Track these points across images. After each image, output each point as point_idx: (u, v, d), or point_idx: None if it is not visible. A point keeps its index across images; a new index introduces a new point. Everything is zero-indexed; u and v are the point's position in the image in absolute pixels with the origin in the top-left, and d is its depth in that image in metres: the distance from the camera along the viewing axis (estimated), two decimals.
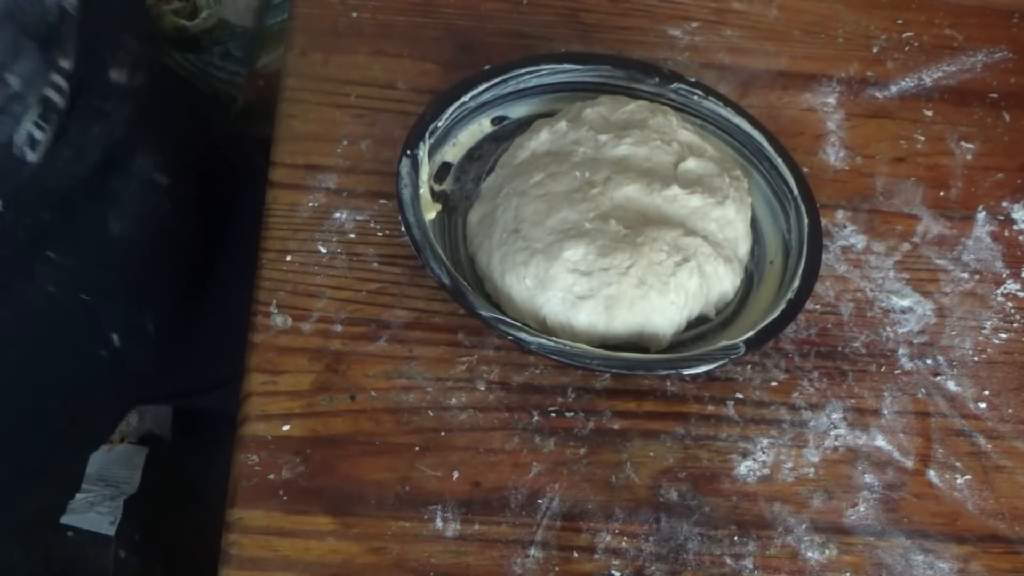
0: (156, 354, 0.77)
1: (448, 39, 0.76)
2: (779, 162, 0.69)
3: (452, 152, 0.69)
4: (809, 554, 0.58)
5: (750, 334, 0.61)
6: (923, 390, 0.65)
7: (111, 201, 0.71)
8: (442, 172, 0.68)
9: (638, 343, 0.62)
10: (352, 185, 0.67)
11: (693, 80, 0.71)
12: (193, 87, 0.99)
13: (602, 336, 0.61)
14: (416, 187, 0.63)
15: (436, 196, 0.67)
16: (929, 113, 0.79)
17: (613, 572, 0.56)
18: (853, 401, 0.64)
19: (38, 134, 0.65)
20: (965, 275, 0.71)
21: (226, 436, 0.62)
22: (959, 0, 0.86)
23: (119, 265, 0.71)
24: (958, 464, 0.63)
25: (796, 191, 0.67)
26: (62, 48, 0.62)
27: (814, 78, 0.79)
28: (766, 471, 0.61)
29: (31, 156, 0.64)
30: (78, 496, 1.21)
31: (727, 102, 0.71)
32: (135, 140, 0.72)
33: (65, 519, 1.20)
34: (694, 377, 0.63)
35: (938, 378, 0.66)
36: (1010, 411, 0.65)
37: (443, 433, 0.59)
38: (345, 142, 0.69)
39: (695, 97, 0.71)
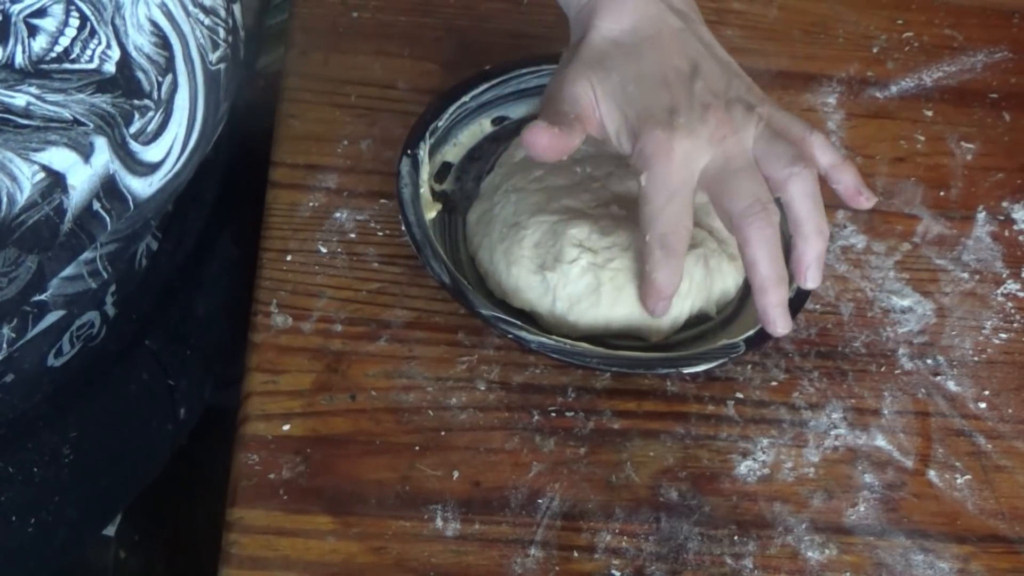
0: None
1: (448, 39, 0.76)
2: None
3: (453, 152, 0.69)
4: (809, 554, 0.58)
5: (750, 333, 0.61)
6: (923, 390, 0.65)
7: (199, 285, 0.71)
8: (442, 172, 0.68)
9: (640, 330, 0.62)
10: (352, 185, 0.67)
11: None
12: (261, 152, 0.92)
13: (606, 319, 0.61)
14: (416, 187, 0.63)
15: (436, 196, 0.67)
16: (929, 113, 0.79)
17: (613, 572, 0.56)
18: (853, 401, 0.64)
19: (154, 244, 0.66)
20: (965, 275, 0.71)
21: (222, 440, 0.62)
22: (959, 0, 0.86)
23: (200, 346, 0.71)
24: (958, 464, 0.63)
25: None
26: None
27: (814, 78, 0.79)
28: (766, 471, 0.61)
29: (145, 263, 0.65)
30: None
31: None
32: (223, 217, 0.72)
33: None
34: (694, 376, 0.63)
35: (938, 378, 0.66)
36: (1010, 411, 0.65)
37: (443, 433, 0.59)
38: (345, 142, 0.69)
39: None
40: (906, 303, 0.69)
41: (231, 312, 0.71)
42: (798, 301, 0.63)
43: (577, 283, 0.60)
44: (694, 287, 0.62)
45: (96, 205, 0.51)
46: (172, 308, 0.69)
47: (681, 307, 0.62)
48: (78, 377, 0.63)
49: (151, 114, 0.51)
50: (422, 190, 0.64)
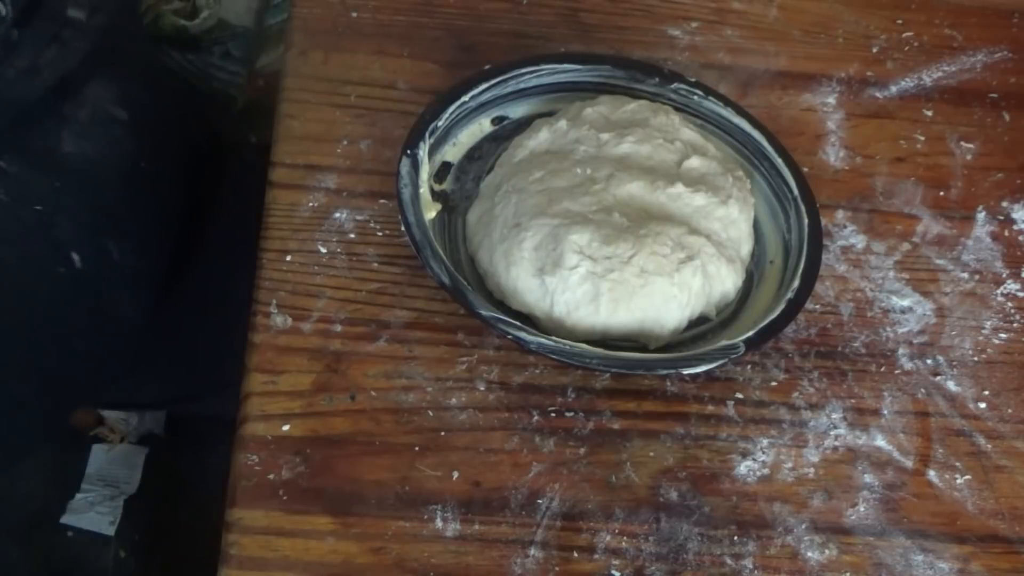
0: (130, 292, 0.78)
1: (448, 39, 0.76)
2: (779, 162, 0.69)
3: (452, 152, 0.69)
4: (809, 554, 0.58)
5: (750, 334, 0.61)
6: (923, 390, 0.65)
7: (64, 122, 0.73)
8: (442, 172, 0.68)
9: (638, 337, 0.62)
10: (352, 185, 0.67)
11: (693, 80, 0.71)
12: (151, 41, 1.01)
13: (604, 327, 0.61)
14: (416, 187, 0.63)
15: (436, 196, 0.67)
16: (929, 113, 0.79)
17: (613, 572, 0.56)
18: (853, 401, 0.64)
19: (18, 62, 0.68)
20: (965, 275, 0.71)
21: (220, 440, 0.62)
22: (959, 0, 0.86)
23: (76, 187, 0.72)
24: (958, 464, 0.63)
25: (796, 191, 0.67)
26: None
27: (814, 78, 0.79)
28: (766, 471, 0.61)
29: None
30: (78, 496, 1.22)
31: (727, 102, 0.71)
32: (91, 72, 0.74)
33: (65, 519, 1.20)
34: (694, 377, 0.63)
35: (938, 378, 0.66)
36: (1010, 411, 0.65)
37: (443, 433, 0.59)
38: (345, 142, 0.69)
39: (695, 97, 0.71)
40: (906, 303, 0.69)
41: (128, 176, 0.74)
42: (798, 301, 0.63)
43: (576, 290, 0.60)
44: (693, 296, 0.62)
45: None
46: (32, 137, 0.71)
47: (680, 316, 0.62)
48: None
49: None
50: (422, 190, 0.64)
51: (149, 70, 0.80)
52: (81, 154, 0.72)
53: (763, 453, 0.61)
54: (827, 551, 0.58)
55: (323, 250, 0.64)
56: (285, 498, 0.56)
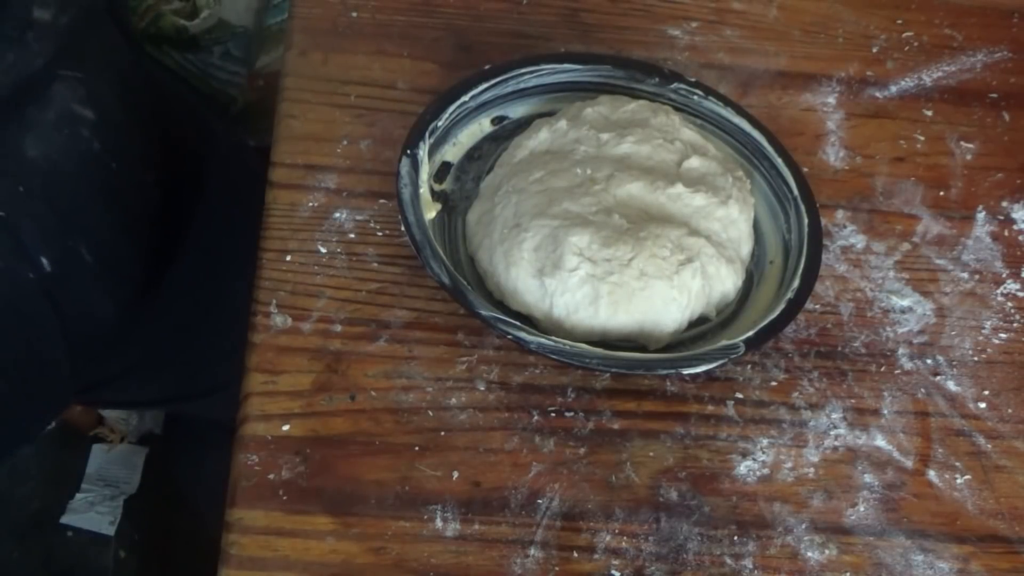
0: (105, 293, 0.77)
1: (448, 39, 0.76)
2: (779, 162, 0.69)
3: (452, 152, 0.69)
4: (809, 554, 0.58)
5: (750, 334, 0.61)
6: (923, 390, 0.65)
7: (27, 127, 0.72)
8: (442, 172, 0.68)
9: (638, 339, 0.62)
10: (352, 185, 0.67)
11: (693, 80, 0.71)
12: (128, 27, 1.00)
13: (603, 328, 0.61)
14: (416, 187, 0.63)
15: (436, 196, 0.67)
16: (929, 113, 0.79)
17: (613, 572, 0.56)
18: (853, 401, 0.64)
19: None
20: (965, 275, 0.71)
21: (216, 442, 0.62)
22: (959, 0, 0.86)
23: (41, 190, 0.72)
24: (958, 464, 0.63)
25: (796, 191, 0.67)
26: None
27: (814, 78, 0.79)
28: (766, 471, 0.61)
29: None
30: (78, 496, 1.22)
31: (727, 102, 0.71)
32: (56, 72, 0.73)
33: (65, 519, 1.21)
34: (694, 377, 0.63)
35: (938, 378, 0.66)
36: (1010, 411, 0.65)
37: (443, 433, 0.59)
38: (345, 142, 0.69)
39: (695, 97, 0.71)
40: (906, 303, 0.69)
41: (96, 176, 0.72)
42: (798, 301, 0.63)
43: (576, 292, 0.60)
44: (692, 298, 0.62)
45: None
46: None
47: (680, 318, 0.62)
48: None
49: None
50: (421, 190, 0.64)
51: (120, 69, 0.79)
52: (46, 157, 0.72)
53: (763, 453, 0.61)
54: (827, 551, 0.58)
55: (323, 250, 0.64)
56: (285, 498, 0.56)
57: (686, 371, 0.60)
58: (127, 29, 0.87)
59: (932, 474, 0.62)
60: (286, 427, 0.58)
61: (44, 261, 0.71)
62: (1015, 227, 0.74)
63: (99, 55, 0.77)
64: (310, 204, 0.66)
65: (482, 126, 0.70)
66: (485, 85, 0.69)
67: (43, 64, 0.71)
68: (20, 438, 0.86)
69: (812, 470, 0.61)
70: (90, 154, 0.74)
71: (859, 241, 0.71)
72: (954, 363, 0.67)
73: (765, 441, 0.62)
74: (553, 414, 0.61)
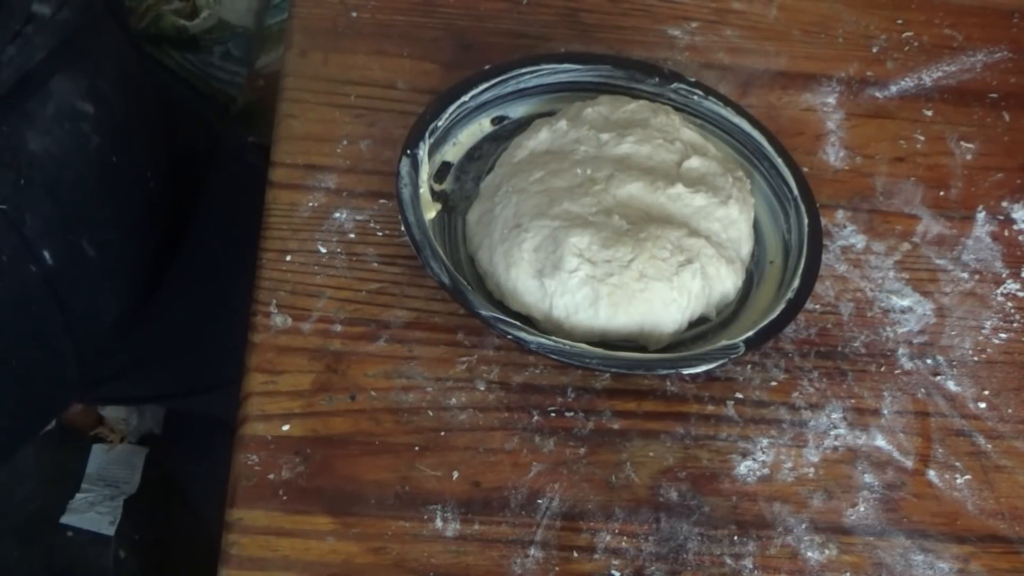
0: (108, 288, 0.77)
1: (448, 39, 0.76)
2: (779, 162, 0.69)
3: (452, 152, 0.69)
4: (809, 554, 0.58)
5: (750, 334, 0.61)
6: (923, 390, 0.65)
7: (28, 119, 0.72)
8: (442, 172, 0.68)
9: (638, 340, 0.62)
10: (352, 185, 0.67)
11: (693, 80, 0.71)
12: (130, 30, 1.00)
13: (603, 330, 0.61)
14: (416, 187, 0.63)
15: (436, 196, 0.67)
16: (929, 113, 0.79)
17: (613, 572, 0.56)
18: (853, 401, 0.64)
19: None
20: (965, 275, 0.71)
21: (215, 440, 0.62)
22: (959, 0, 0.86)
23: (42, 184, 0.72)
24: (958, 464, 0.63)
25: (796, 191, 0.67)
26: None
27: (814, 78, 0.79)
28: (766, 471, 0.61)
29: None
30: (78, 496, 1.22)
31: (727, 102, 0.71)
32: (57, 66, 0.73)
33: (65, 519, 1.20)
34: (694, 377, 0.63)
35: (938, 378, 0.66)
36: (1010, 411, 0.65)
37: (443, 433, 0.59)
38: (345, 142, 0.69)
39: (695, 97, 0.71)
40: (906, 303, 0.69)
41: (98, 171, 0.72)
42: (798, 301, 0.63)
43: (575, 293, 0.60)
44: (692, 299, 0.62)
45: None
46: None
47: (680, 319, 0.62)
48: None
49: None
50: (421, 190, 0.64)
51: (121, 65, 0.79)
52: (46, 151, 0.72)
53: (763, 453, 0.61)
54: (827, 551, 0.58)
55: (323, 250, 0.64)
56: (285, 498, 0.56)
57: (686, 371, 0.60)
58: (125, 27, 0.87)
59: (932, 474, 0.62)
60: (286, 427, 0.58)
61: (47, 255, 0.71)
62: (1015, 227, 0.74)
63: (99, 50, 0.77)
64: (310, 204, 0.66)
65: (482, 126, 0.70)
66: (485, 85, 0.69)
67: (43, 58, 0.71)
68: (27, 433, 0.86)
69: (812, 470, 0.61)
70: (91, 149, 0.74)
71: (859, 241, 0.71)
72: (954, 363, 0.67)
73: (765, 441, 0.62)
74: (553, 414, 0.61)
